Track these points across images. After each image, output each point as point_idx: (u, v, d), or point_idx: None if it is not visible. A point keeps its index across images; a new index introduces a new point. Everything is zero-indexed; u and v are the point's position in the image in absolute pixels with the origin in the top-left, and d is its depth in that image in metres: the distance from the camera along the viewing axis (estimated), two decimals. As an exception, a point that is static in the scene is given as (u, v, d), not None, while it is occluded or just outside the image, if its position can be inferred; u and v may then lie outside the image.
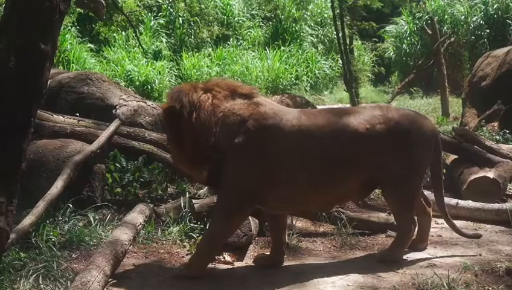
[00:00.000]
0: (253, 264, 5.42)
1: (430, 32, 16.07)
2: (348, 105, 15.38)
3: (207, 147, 5.10)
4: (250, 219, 5.78)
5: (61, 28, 4.03)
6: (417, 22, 21.99)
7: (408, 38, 22.59)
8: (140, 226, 5.92)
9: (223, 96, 5.23)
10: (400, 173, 5.32)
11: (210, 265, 5.29)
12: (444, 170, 8.08)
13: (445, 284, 4.66)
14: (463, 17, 21.51)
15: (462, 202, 6.86)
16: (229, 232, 5.25)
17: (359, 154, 5.23)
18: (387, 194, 5.60)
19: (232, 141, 5.05)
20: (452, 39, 17.45)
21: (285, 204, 5.30)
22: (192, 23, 21.08)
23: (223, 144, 5.07)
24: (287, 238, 5.64)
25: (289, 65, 21.02)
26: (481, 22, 20.98)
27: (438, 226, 6.50)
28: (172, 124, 5.26)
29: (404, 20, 22.92)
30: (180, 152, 5.33)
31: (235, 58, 21.03)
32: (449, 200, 6.87)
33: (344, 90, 16.74)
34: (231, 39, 22.04)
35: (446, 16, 21.74)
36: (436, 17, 19.15)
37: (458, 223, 6.55)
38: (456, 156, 8.09)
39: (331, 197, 5.34)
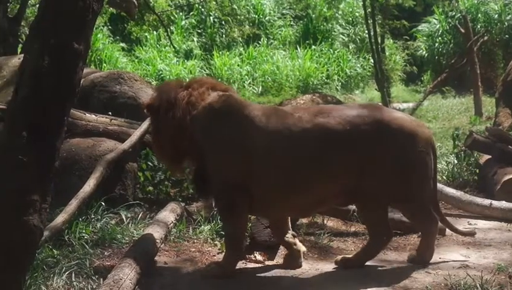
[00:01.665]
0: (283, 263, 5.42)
1: (463, 30, 15.89)
2: (380, 105, 15.28)
3: (183, 145, 5.15)
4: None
5: (94, 28, 4.06)
6: (450, 20, 21.75)
7: (440, 37, 22.36)
8: (171, 224, 5.95)
9: (200, 93, 5.22)
10: (389, 182, 5.06)
11: (241, 264, 5.30)
12: (477, 170, 8.03)
13: (478, 286, 4.60)
14: (496, 15, 21.22)
15: (495, 203, 6.77)
16: (239, 228, 5.20)
17: (336, 157, 4.97)
18: (369, 206, 5.29)
19: (206, 134, 5.11)
20: (485, 38, 17.23)
21: (262, 206, 5.17)
22: (223, 23, 21.11)
23: (200, 141, 5.11)
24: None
25: (320, 64, 20.93)
26: (515, 20, 20.74)
27: (470, 227, 6.43)
28: (152, 120, 5.49)
29: (437, 19, 22.69)
30: (160, 148, 5.46)
31: (265, 58, 21.00)
32: (482, 201, 6.81)
33: (375, 89, 16.64)
34: (262, 38, 22.01)
35: (479, 15, 21.47)
36: (469, 16, 18.92)
37: (492, 224, 6.50)
38: (489, 156, 8.00)
39: (303, 202, 5.11)
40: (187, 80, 6.30)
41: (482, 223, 6.56)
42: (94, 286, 4.69)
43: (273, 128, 5.02)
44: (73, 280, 4.77)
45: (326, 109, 5.24)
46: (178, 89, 5.29)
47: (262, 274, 5.18)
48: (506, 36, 20.74)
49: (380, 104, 5.68)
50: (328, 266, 5.31)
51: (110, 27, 20.77)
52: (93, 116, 7.57)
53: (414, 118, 5.45)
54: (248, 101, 5.46)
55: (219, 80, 19.46)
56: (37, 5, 5.51)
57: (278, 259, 5.52)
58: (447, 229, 6.04)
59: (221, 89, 5.34)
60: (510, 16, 20.88)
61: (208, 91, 5.25)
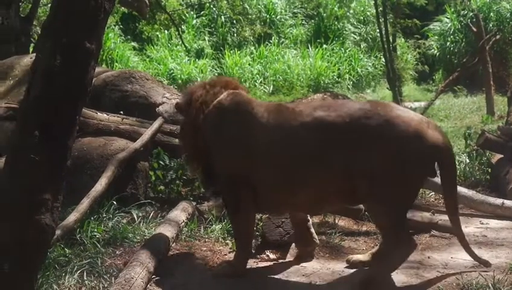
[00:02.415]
0: (294, 262, 5.42)
1: (474, 29, 15.83)
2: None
3: (199, 144, 5.23)
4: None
5: (106, 27, 4.07)
6: (461, 19, 21.68)
7: (452, 36, 22.29)
8: (183, 223, 5.97)
9: (214, 92, 5.28)
10: (384, 183, 4.73)
11: (253, 263, 5.30)
12: (489, 169, 8.00)
13: (490, 285, 4.59)
14: (509, 14, 21.14)
15: (508, 202, 6.74)
16: (246, 225, 5.22)
17: (334, 152, 4.80)
18: (369, 208, 5.27)
19: (214, 131, 5.17)
20: (497, 37, 17.14)
21: (268, 203, 5.17)
22: (234, 22, 21.12)
23: (209, 138, 5.18)
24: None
25: (331, 63, 20.91)
26: (527, 19, 20.65)
27: (482, 227, 6.41)
28: (180, 119, 5.68)
29: (448, 18, 22.62)
30: (183, 147, 5.64)
31: (276, 57, 21.00)
32: (494, 200, 6.78)
33: (387, 88, 16.62)
34: (273, 37, 22.01)
35: (491, 13, 21.38)
36: (481, 14, 18.83)
37: (504, 223, 6.47)
38: (501, 156, 7.97)
39: (307, 198, 4.98)
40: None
41: (494, 223, 6.53)
42: (106, 285, 4.71)
43: (274, 124, 5.01)
44: (85, 278, 4.79)
45: (329, 104, 5.20)
46: (199, 89, 5.36)
47: (273, 273, 5.18)
48: (519, 35, 20.66)
49: (391, 102, 5.40)
50: (340, 266, 5.31)
51: (121, 26, 20.83)
52: (105, 115, 7.59)
53: (428, 120, 4.92)
54: (253, 98, 5.45)
55: (230, 79, 19.48)
56: (49, 5, 5.53)
57: (290, 257, 5.52)
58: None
59: (232, 87, 5.35)
60: (522, 14, 20.79)
61: (221, 90, 5.27)
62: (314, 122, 4.85)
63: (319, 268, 5.26)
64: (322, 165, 4.82)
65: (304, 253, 5.49)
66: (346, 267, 5.27)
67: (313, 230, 5.50)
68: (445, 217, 6.31)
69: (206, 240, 5.92)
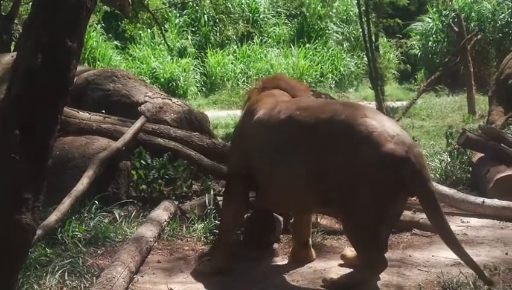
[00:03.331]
0: (276, 261, 5.43)
1: (456, 29, 15.92)
2: (373, 103, 15.30)
3: None
4: (275, 216, 5.80)
5: (87, 26, 4.05)
6: (443, 19, 21.80)
7: (434, 36, 22.42)
8: (165, 223, 5.96)
9: (257, 92, 5.48)
10: (344, 194, 4.53)
11: (235, 261, 5.31)
12: (470, 168, 8.05)
13: (470, 283, 4.62)
14: (490, 14, 21.30)
15: (488, 201, 6.79)
16: (228, 216, 5.32)
17: (304, 154, 4.72)
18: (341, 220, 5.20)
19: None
20: (479, 36, 17.27)
21: (261, 199, 5.25)
22: (217, 21, 21.10)
23: None
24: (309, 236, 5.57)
25: (314, 63, 20.96)
26: (509, 19, 20.76)
27: (463, 225, 6.46)
28: None
29: (430, 18, 22.76)
30: None
31: (259, 56, 21.03)
32: (475, 199, 6.82)
33: (369, 87, 16.65)
34: (256, 36, 22.03)
35: (473, 13, 21.54)
36: (463, 14, 18.95)
37: (484, 221, 6.52)
38: (482, 155, 8.02)
39: (290, 198, 4.96)
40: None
41: (474, 221, 6.58)
42: (87, 285, 4.69)
43: (260, 122, 5.07)
44: (66, 278, 4.77)
45: (309, 103, 5.05)
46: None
47: (254, 272, 5.18)
48: (500, 35, 20.83)
49: (366, 104, 5.27)
50: (322, 264, 5.32)
51: (104, 25, 20.74)
52: (87, 114, 7.56)
53: (395, 131, 4.52)
54: (269, 97, 5.42)
55: (213, 78, 19.57)
56: (31, 3, 5.50)
57: (272, 257, 5.52)
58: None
59: (267, 87, 5.53)
60: (503, 14, 20.96)
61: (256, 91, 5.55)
62: (288, 121, 4.86)
63: (301, 267, 5.27)
64: (295, 167, 4.78)
65: (299, 252, 5.48)
66: (339, 264, 5.28)
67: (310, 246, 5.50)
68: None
69: (188, 239, 5.92)
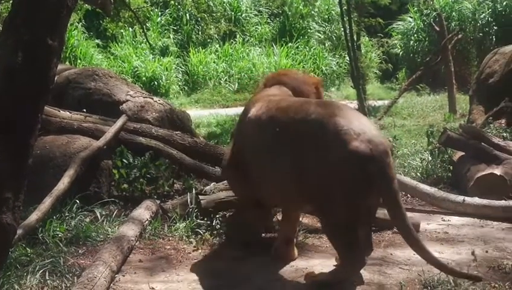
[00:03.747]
0: (259, 260, 5.42)
1: (437, 29, 16.00)
2: (355, 102, 15.36)
3: None
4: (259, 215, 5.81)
5: (68, 24, 4.04)
6: (424, 18, 21.92)
7: (415, 35, 22.53)
8: (146, 222, 5.95)
9: (260, 89, 5.67)
10: (317, 191, 4.59)
11: (216, 259, 5.31)
12: (451, 167, 8.10)
13: (451, 281, 4.65)
14: (470, 13, 21.44)
15: (468, 199, 6.83)
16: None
17: (281, 152, 4.79)
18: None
19: None
20: (460, 36, 17.36)
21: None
22: (199, 20, 21.07)
23: None
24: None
25: (296, 62, 21.00)
26: (489, 18, 20.91)
27: (444, 223, 6.49)
28: None
29: (412, 17, 22.87)
30: None
31: (241, 55, 21.04)
32: (456, 197, 6.86)
33: (351, 86, 16.71)
34: (238, 35, 22.04)
35: (454, 13, 21.67)
36: (444, 14, 19.07)
37: (465, 220, 6.56)
38: (463, 153, 8.07)
39: (276, 194, 5.04)
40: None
41: (455, 220, 6.62)
42: (68, 285, 4.67)
43: (249, 122, 5.19)
44: (47, 278, 4.75)
45: (289, 103, 5.08)
46: None
47: (236, 271, 5.18)
48: (480, 34, 20.96)
49: (341, 102, 5.25)
50: (304, 263, 5.33)
51: (85, 23, 20.64)
52: (68, 113, 7.53)
53: (362, 129, 4.50)
54: (268, 92, 5.47)
55: (195, 77, 19.55)
56: (11, 1, 5.47)
57: (254, 257, 5.52)
58: (420, 225, 6.11)
59: (271, 83, 5.67)
60: (484, 14, 21.10)
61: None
62: (269, 122, 4.95)
63: (283, 265, 5.27)
64: (276, 167, 4.85)
65: (281, 249, 5.48)
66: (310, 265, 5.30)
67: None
68: (408, 214, 6.40)
69: (170, 238, 5.91)
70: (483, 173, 7.30)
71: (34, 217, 5.46)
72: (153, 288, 4.81)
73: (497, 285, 4.68)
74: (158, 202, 6.56)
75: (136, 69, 19.26)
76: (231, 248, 5.60)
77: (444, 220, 6.60)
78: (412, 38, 22.54)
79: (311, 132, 4.60)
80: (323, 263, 5.28)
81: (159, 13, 21.77)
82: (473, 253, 5.23)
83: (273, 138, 4.85)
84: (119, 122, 7.38)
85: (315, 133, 4.57)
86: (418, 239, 4.59)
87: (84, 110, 7.78)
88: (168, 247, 5.71)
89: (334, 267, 5.09)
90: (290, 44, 21.71)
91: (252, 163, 5.12)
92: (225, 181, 6.49)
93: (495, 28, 20.66)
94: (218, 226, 5.98)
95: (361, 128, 4.50)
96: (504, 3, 20.79)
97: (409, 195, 7.41)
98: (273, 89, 5.48)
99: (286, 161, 4.71)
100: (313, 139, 4.58)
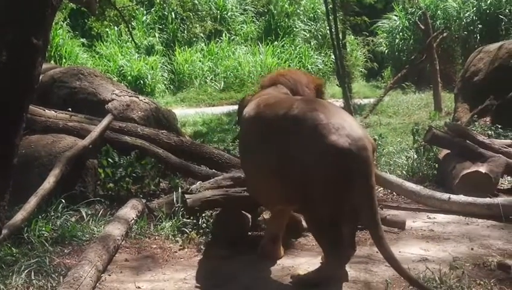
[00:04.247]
0: (246, 259, 5.43)
1: (422, 27, 16.07)
2: (341, 100, 15.39)
3: None
4: (243, 214, 5.82)
5: (53, 23, 4.03)
6: (410, 17, 22.03)
7: (401, 34, 22.64)
8: (132, 221, 5.93)
9: (259, 90, 5.71)
10: (297, 184, 4.57)
11: (204, 258, 5.31)
12: (436, 165, 8.13)
13: (437, 279, 4.67)
14: (455, 12, 21.54)
15: (454, 197, 6.86)
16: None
17: (267, 149, 4.78)
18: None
19: None
20: (445, 34, 17.44)
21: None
22: (185, 18, 21.05)
23: None
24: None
25: (282, 60, 21.04)
26: (474, 17, 21.02)
27: (429, 221, 6.51)
28: None
29: (397, 16, 22.96)
30: None
31: (227, 54, 21.06)
32: (441, 195, 6.88)
33: (337, 85, 16.74)
34: (224, 34, 22.03)
35: (439, 11, 21.78)
36: (429, 12, 19.16)
37: (450, 217, 6.59)
38: (448, 151, 8.10)
39: (268, 191, 5.00)
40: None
41: (440, 217, 6.64)
42: (54, 284, 4.65)
43: (244, 121, 5.30)
44: (33, 278, 4.72)
45: (274, 100, 5.12)
46: None
47: (223, 269, 5.18)
48: (465, 33, 21.07)
49: (325, 100, 5.21)
50: (290, 261, 5.33)
51: (70, 22, 20.58)
52: (53, 112, 7.51)
53: (341, 124, 4.49)
54: (259, 96, 5.48)
55: (180, 75, 19.54)
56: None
57: (240, 255, 5.52)
58: (406, 223, 6.13)
59: (270, 84, 5.68)
60: (468, 12, 21.21)
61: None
62: (257, 118, 5.01)
63: (269, 264, 5.28)
64: (263, 163, 4.84)
65: (267, 246, 5.46)
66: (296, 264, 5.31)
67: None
68: (394, 212, 6.44)
69: (156, 237, 5.89)
70: (469, 170, 7.33)
71: (19, 216, 5.44)
72: (139, 287, 4.80)
73: (482, 282, 4.69)
74: (144, 201, 6.55)
75: (122, 68, 19.23)
76: (217, 246, 5.59)
77: (429, 218, 6.62)
78: (397, 36, 22.65)
79: (291, 127, 4.60)
80: (310, 261, 5.28)
81: (144, 12, 21.73)
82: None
83: (261, 135, 4.88)
84: (105, 121, 7.36)
85: (296, 128, 4.57)
86: (385, 241, 4.57)
87: (70, 109, 7.76)
88: (154, 246, 5.70)
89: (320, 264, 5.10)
90: (275, 43, 21.75)
91: (244, 161, 5.24)
92: (211, 180, 6.51)
93: (480, 26, 20.76)
94: (205, 225, 5.97)
95: (340, 123, 4.49)
96: (488, 1, 20.89)
97: (394, 193, 7.43)
98: (269, 89, 5.50)
99: (271, 156, 4.69)
100: (293, 134, 4.58)
